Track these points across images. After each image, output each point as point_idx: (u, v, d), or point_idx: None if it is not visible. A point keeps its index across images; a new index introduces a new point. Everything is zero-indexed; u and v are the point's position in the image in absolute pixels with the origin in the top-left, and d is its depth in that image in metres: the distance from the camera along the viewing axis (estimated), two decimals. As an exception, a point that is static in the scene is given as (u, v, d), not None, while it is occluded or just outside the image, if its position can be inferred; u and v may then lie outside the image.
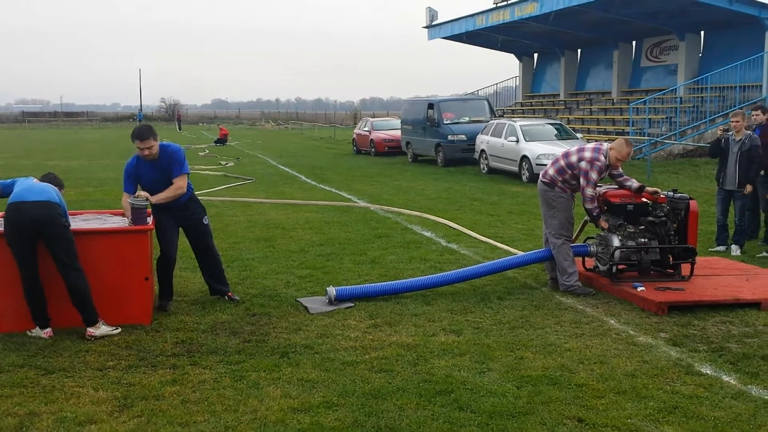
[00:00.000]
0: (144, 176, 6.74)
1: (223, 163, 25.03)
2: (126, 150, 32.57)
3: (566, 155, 7.61)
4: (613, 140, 7.74)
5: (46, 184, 6.21)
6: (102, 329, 6.01)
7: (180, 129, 60.87)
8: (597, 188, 7.55)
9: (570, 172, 7.49)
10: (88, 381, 5.07)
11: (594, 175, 7.37)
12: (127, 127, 67.11)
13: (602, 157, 7.39)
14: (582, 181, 7.42)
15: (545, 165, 18.19)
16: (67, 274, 5.92)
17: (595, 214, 7.57)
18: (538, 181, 7.80)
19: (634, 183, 7.66)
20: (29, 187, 6.04)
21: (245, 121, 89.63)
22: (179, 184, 6.65)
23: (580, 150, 7.55)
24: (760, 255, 9.25)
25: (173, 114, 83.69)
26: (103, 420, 4.46)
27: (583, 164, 7.39)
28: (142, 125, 6.88)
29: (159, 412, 4.55)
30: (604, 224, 7.62)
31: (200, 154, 30.51)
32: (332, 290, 7.05)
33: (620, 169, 7.67)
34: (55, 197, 6.02)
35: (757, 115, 10.01)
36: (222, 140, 38.26)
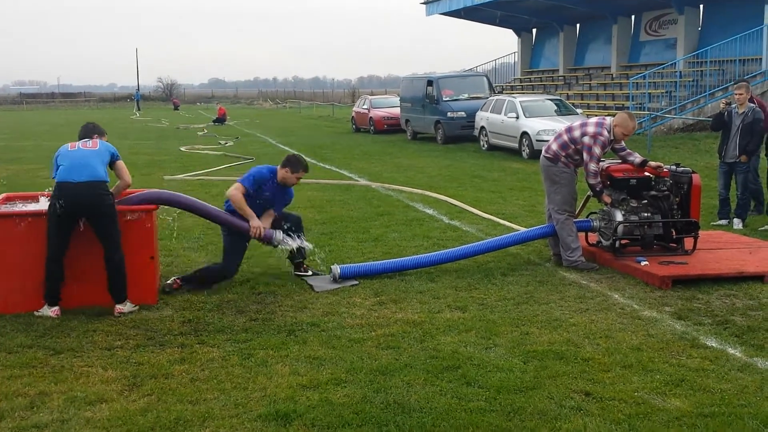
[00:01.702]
0: (267, 194, 6.93)
1: (222, 142, 24.96)
2: (124, 129, 32.49)
3: (569, 130, 7.58)
4: (614, 115, 7.71)
5: (88, 150, 6.14)
6: (128, 306, 6.10)
7: (176, 109, 60.62)
8: (600, 163, 7.54)
9: (573, 146, 7.48)
10: (96, 360, 5.09)
11: (597, 150, 7.36)
12: (125, 108, 66.90)
13: (605, 132, 7.37)
14: (585, 156, 7.41)
15: (546, 141, 18.18)
16: (110, 254, 6.02)
17: (598, 189, 7.57)
18: (541, 156, 7.79)
19: (637, 157, 7.64)
20: (72, 162, 6.02)
21: (243, 100, 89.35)
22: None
23: (583, 125, 7.52)
24: (763, 228, 9.27)
25: (170, 94, 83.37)
26: (114, 399, 4.48)
27: (586, 139, 7.37)
28: (297, 156, 7.18)
29: (169, 391, 4.58)
30: (606, 199, 7.63)
31: (199, 134, 30.42)
32: (336, 268, 7.07)
33: (623, 144, 7.65)
34: (99, 172, 6.02)
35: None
36: (221, 119, 38.13)
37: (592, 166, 7.43)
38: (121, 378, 4.79)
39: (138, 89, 76.93)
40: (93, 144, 6.26)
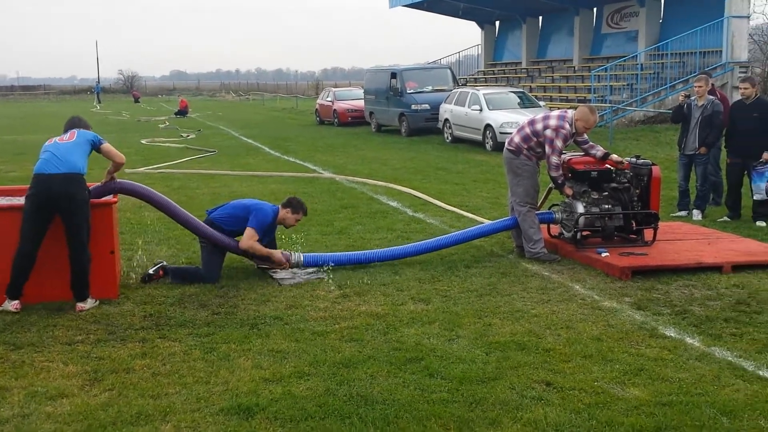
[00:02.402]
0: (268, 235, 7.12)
1: (184, 135, 24.68)
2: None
3: (532, 123, 7.64)
4: (576, 108, 7.79)
5: (65, 143, 6.10)
6: (89, 303, 6.03)
7: (137, 101, 59.71)
8: (562, 155, 7.61)
9: (535, 139, 7.53)
10: (57, 355, 5.03)
11: (559, 143, 7.43)
12: (85, 101, 65.75)
13: (567, 125, 7.43)
14: (547, 149, 7.47)
15: (509, 133, 18.28)
16: (75, 250, 5.95)
17: (560, 181, 7.64)
18: (504, 148, 7.84)
19: (599, 150, 7.73)
20: (50, 155, 5.97)
21: (205, 92, 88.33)
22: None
23: (546, 118, 7.58)
24: (721, 219, 9.44)
25: (131, 86, 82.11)
26: (74, 394, 4.43)
27: (548, 132, 7.43)
28: (300, 200, 7.26)
29: (130, 385, 4.54)
30: (568, 191, 7.71)
31: (161, 126, 30.03)
32: (299, 256, 7.06)
33: (586, 137, 7.73)
34: (77, 164, 5.96)
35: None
36: (182, 112, 37.64)
37: (554, 159, 7.49)
38: (81, 373, 4.74)
39: (98, 82, 75.59)
40: (70, 136, 6.21)
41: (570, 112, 7.61)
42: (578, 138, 7.63)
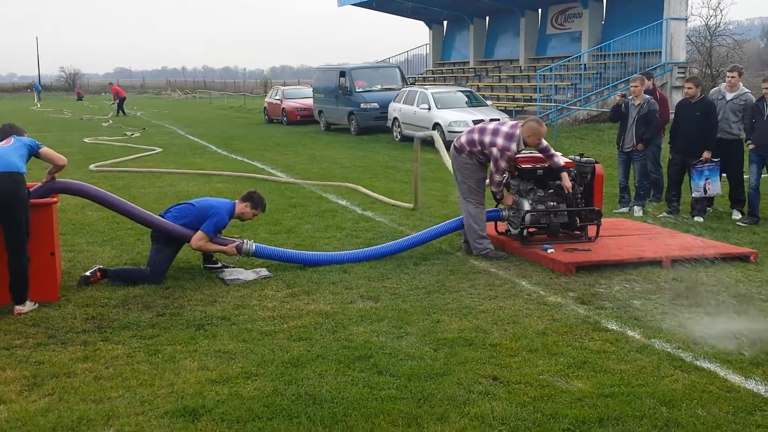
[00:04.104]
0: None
1: (128, 134, 24.23)
2: (23, 121, 30.98)
3: (482, 131, 7.57)
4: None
5: (6, 146, 5.97)
6: (28, 305, 5.88)
7: (80, 99, 58.39)
8: (504, 174, 7.70)
9: (479, 148, 7.54)
10: (-7, 361, 4.88)
11: (503, 164, 7.48)
12: (25, 98, 64.00)
13: (513, 146, 7.39)
14: (492, 166, 7.52)
15: (458, 132, 18.47)
16: (13, 252, 5.80)
17: (499, 197, 7.81)
18: (452, 146, 7.89)
19: (560, 160, 7.75)
20: None
21: (150, 90, 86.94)
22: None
23: (495, 132, 7.47)
24: (661, 215, 9.68)
25: (73, 84, 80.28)
26: (12, 400, 4.31)
27: (494, 150, 7.41)
28: (261, 195, 7.32)
29: (71, 390, 4.43)
30: (508, 201, 7.86)
31: (104, 125, 29.42)
32: (251, 244, 7.02)
33: (544, 143, 7.65)
34: (16, 163, 5.82)
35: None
36: (121, 101, 36.50)
37: (497, 177, 7.58)
38: (20, 378, 4.61)
39: (39, 80, 73.68)
40: (6, 142, 6.10)
41: (519, 130, 7.44)
42: (538, 147, 7.61)
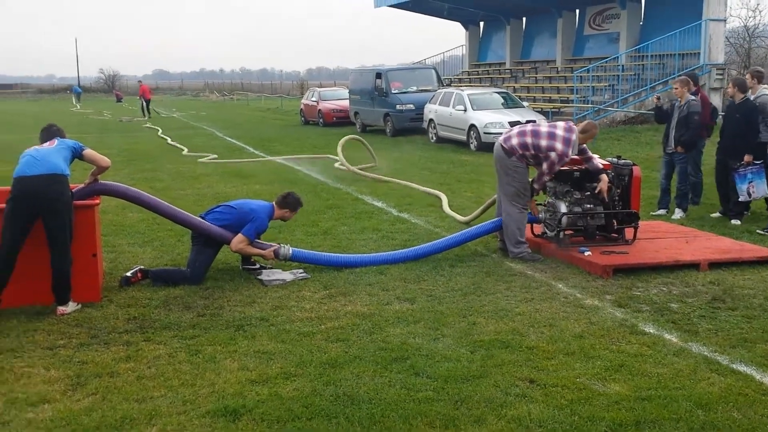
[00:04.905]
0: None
1: (169, 139, 24.55)
2: (63, 123, 31.47)
3: (536, 135, 7.45)
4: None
5: (46, 149, 6.11)
6: (71, 306, 5.99)
7: (119, 101, 59.34)
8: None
9: (533, 152, 7.47)
10: (38, 360, 4.99)
11: (558, 168, 7.48)
12: (64, 100, 65.22)
13: (570, 151, 7.38)
14: (545, 167, 7.46)
15: (493, 133, 18.44)
16: (56, 253, 5.91)
17: (535, 194, 7.80)
18: (497, 144, 7.74)
19: (597, 163, 7.72)
20: (30, 159, 5.96)
21: (189, 92, 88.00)
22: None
23: (552, 136, 7.39)
24: (715, 214, 9.57)
25: (112, 86, 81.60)
26: (57, 399, 4.41)
27: (553, 155, 7.36)
28: (298, 197, 7.41)
29: (114, 389, 4.52)
30: (535, 211, 7.86)
31: (144, 126, 29.89)
32: (288, 249, 7.10)
33: (585, 146, 7.69)
34: (59, 165, 5.96)
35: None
36: (147, 102, 36.78)
37: (546, 179, 7.58)
38: (64, 378, 4.71)
39: (78, 82, 74.93)
40: (50, 144, 6.23)
41: (575, 136, 7.40)
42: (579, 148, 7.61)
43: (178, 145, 20.77)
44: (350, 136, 15.32)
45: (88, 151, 6.33)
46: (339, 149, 14.84)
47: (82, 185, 6.55)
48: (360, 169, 14.12)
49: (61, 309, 5.95)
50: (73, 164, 6.27)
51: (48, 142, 6.25)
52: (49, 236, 5.90)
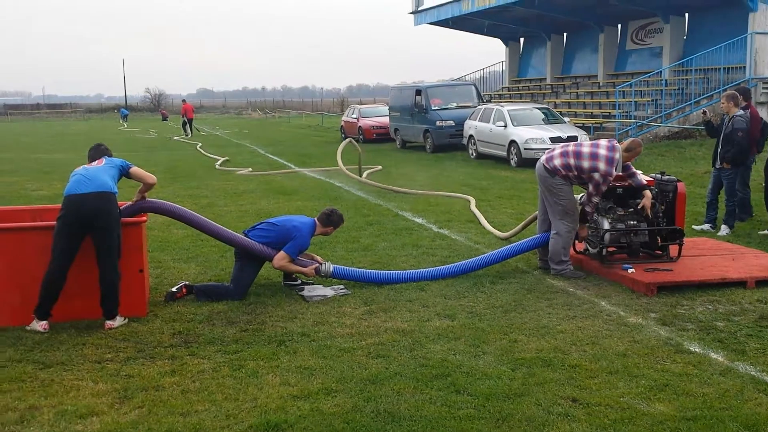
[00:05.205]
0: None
1: (216, 158, 24.93)
2: (110, 142, 32.31)
3: (578, 156, 7.39)
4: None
5: (98, 167, 6.29)
6: (118, 320, 6.13)
7: (165, 120, 60.47)
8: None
9: (576, 173, 7.41)
10: (86, 374, 5.10)
11: (604, 188, 7.41)
12: (112, 119, 66.70)
13: (614, 171, 7.33)
14: (591, 188, 7.39)
15: (534, 149, 18.34)
16: (106, 269, 6.06)
17: (588, 218, 7.67)
18: (539, 164, 7.69)
19: (641, 179, 7.65)
20: (79, 178, 6.15)
21: (231, 110, 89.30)
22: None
23: (594, 156, 7.31)
24: (763, 231, 9.39)
25: (158, 105, 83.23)
26: (104, 412, 4.50)
27: (596, 176, 7.30)
28: (340, 214, 7.46)
29: (160, 403, 4.60)
30: (584, 233, 7.73)
31: (198, 146, 30.37)
32: (329, 266, 7.16)
33: (629, 163, 7.62)
34: (107, 183, 6.13)
35: None
36: (188, 121, 37.03)
37: (595, 200, 7.48)
38: (111, 391, 4.81)
39: (126, 102, 76.61)
40: (98, 162, 6.41)
41: (618, 154, 7.33)
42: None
43: (213, 156, 21.18)
44: (347, 140, 17.57)
45: (135, 169, 6.49)
46: (338, 156, 16.65)
47: (129, 203, 6.71)
48: (366, 175, 15.60)
49: (108, 323, 6.09)
50: (120, 182, 6.42)
51: (96, 161, 6.42)
52: (99, 252, 6.05)
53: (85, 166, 6.37)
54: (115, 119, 65.79)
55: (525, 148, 18.16)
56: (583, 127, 21.58)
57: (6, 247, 6.12)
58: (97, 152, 6.57)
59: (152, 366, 5.24)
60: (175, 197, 13.27)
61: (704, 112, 10.10)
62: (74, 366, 5.26)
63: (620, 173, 7.56)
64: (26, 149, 29.02)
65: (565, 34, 32.59)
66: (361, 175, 16.04)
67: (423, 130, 24.20)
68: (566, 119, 21.48)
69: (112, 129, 48.05)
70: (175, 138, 34.09)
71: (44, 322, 6.02)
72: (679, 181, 7.92)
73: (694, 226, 9.74)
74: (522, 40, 36.21)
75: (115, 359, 5.39)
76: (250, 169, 18.67)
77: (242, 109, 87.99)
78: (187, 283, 7.06)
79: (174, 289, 6.90)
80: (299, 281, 7.31)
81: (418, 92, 24.94)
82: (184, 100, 47.33)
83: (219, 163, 20.88)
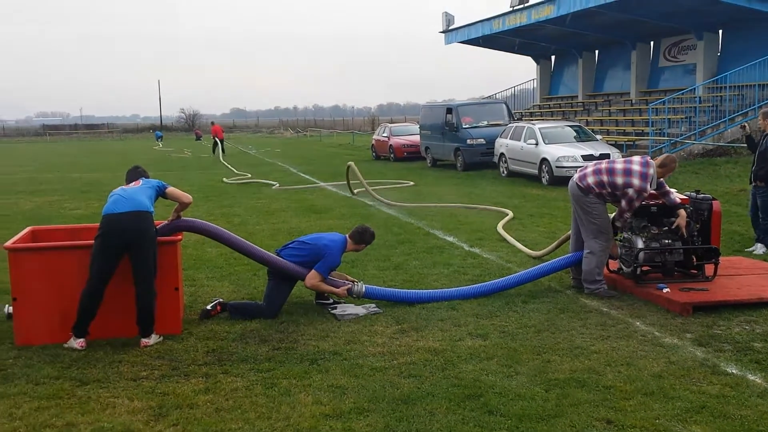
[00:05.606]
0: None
1: (244, 173, 25.19)
2: (145, 161, 32.89)
3: (611, 172, 7.36)
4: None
5: (135, 187, 6.42)
6: (153, 338, 6.21)
7: (198, 139, 61.30)
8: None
9: (610, 190, 7.37)
10: (122, 391, 5.17)
11: (638, 204, 7.37)
12: (147, 139, 67.76)
13: (648, 186, 7.28)
14: (624, 204, 7.34)
15: (565, 167, 18.23)
16: (142, 287, 6.15)
17: (619, 232, 7.63)
18: (572, 182, 7.66)
19: (675, 197, 7.59)
20: (117, 198, 6.28)
21: (264, 129, 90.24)
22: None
23: (628, 173, 7.27)
24: None
25: (192, 124, 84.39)
26: (140, 429, 4.55)
27: (630, 191, 7.25)
28: (371, 232, 7.49)
29: (194, 420, 4.65)
30: (615, 252, 7.69)
31: (236, 171, 30.74)
32: (361, 286, 7.19)
33: (662, 180, 7.55)
34: (144, 203, 6.25)
35: None
36: (219, 142, 36.65)
37: (628, 216, 7.45)
38: (146, 408, 4.86)
39: (161, 121, 77.89)
40: (135, 183, 6.54)
41: (652, 170, 7.29)
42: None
43: (232, 168, 21.38)
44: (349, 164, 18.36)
45: (171, 189, 6.60)
46: (361, 178, 17.13)
47: (165, 222, 6.81)
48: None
49: (144, 341, 6.16)
50: (156, 202, 6.53)
51: (134, 182, 6.55)
52: (135, 271, 6.14)
53: (123, 187, 6.50)
54: (150, 139, 66.86)
55: (557, 167, 18.07)
56: (616, 145, 21.42)
57: (45, 265, 6.24)
58: (135, 174, 6.71)
59: (186, 384, 5.29)
60: (209, 216, 13.42)
61: (743, 127, 9.97)
62: (110, 383, 5.33)
63: (654, 191, 7.49)
64: (65, 169, 29.58)
65: (596, 52, 32.46)
66: (353, 193, 17.54)
67: (454, 149, 24.22)
68: (599, 137, 21.35)
69: (148, 148, 48.80)
70: (225, 180, 34.35)
71: (82, 339, 6.11)
72: (714, 199, 7.83)
73: (747, 249, 9.55)
74: (553, 57, 36.15)
75: (150, 377, 5.45)
76: (250, 176, 18.90)
77: (274, 128, 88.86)
78: (221, 300, 7.13)
79: (208, 307, 6.97)
80: (331, 300, 7.34)
81: (449, 110, 24.99)
82: (213, 122, 47.76)
83: (231, 179, 21.33)
